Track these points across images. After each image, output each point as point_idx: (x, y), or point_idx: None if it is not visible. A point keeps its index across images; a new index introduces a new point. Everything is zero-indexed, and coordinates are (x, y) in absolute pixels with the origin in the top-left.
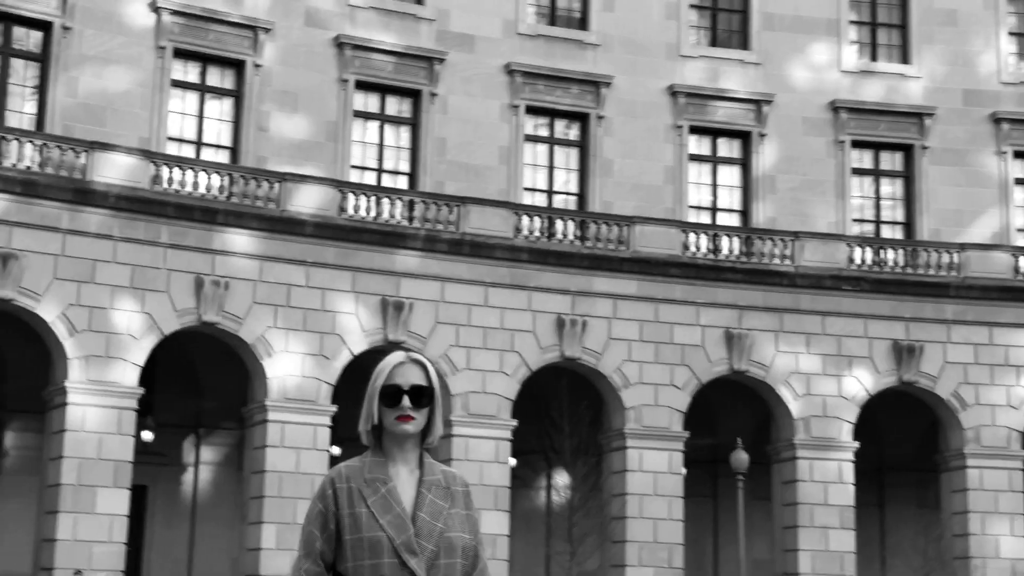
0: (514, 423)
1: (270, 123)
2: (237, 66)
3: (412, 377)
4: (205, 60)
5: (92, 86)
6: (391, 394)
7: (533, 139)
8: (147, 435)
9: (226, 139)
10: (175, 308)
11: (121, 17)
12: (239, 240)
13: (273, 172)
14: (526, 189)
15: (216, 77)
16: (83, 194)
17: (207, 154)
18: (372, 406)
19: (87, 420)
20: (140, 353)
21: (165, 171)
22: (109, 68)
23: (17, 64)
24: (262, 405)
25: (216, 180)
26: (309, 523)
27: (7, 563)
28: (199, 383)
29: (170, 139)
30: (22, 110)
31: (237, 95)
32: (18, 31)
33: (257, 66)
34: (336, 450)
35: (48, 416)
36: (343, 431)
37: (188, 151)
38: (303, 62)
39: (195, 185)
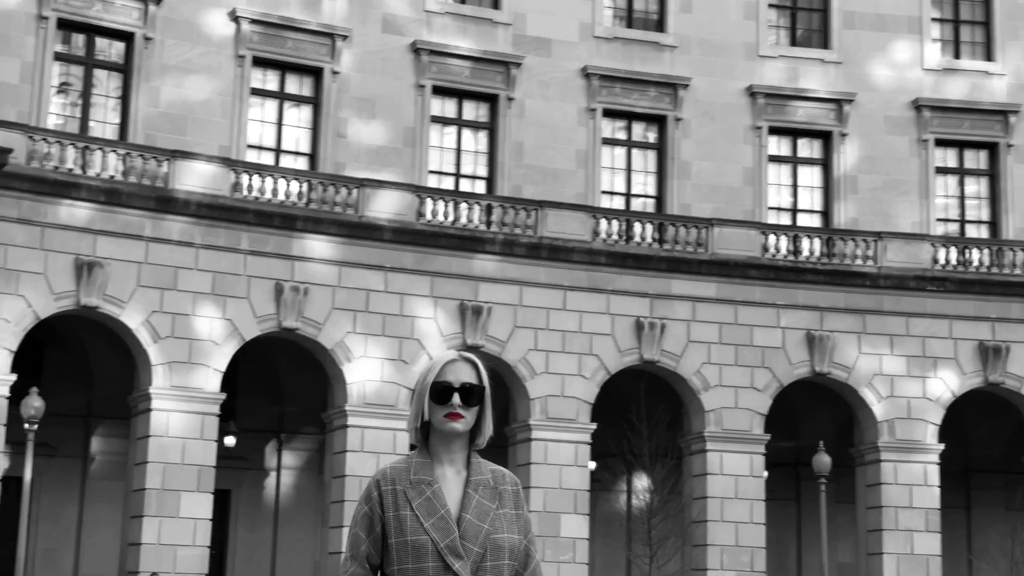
0: (593, 426)
1: (348, 129)
2: (315, 73)
3: (463, 375)
4: (284, 68)
5: (173, 95)
6: (441, 391)
7: (610, 142)
8: (230, 440)
9: (305, 146)
10: (255, 314)
11: (201, 27)
12: (318, 246)
13: (351, 178)
14: (604, 192)
15: (295, 84)
16: (165, 202)
17: (286, 161)
18: (421, 403)
19: (171, 425)
20: (222, 359)
21: (245, 178)
22: (190, 77)
23: (100, 75)
24: (342, 410)
25: (295, 187)
26: (355, 525)
27: (95, 567)
28: (280, 388)
29: (250, 147)
30: (106, 120)
31: (315, 102)
32: (101, 42)
33: (335, 73)
34: None
35: (133, 422)
36: None
37: (267, 158)
38: (380, 68)
39: (274, 192)
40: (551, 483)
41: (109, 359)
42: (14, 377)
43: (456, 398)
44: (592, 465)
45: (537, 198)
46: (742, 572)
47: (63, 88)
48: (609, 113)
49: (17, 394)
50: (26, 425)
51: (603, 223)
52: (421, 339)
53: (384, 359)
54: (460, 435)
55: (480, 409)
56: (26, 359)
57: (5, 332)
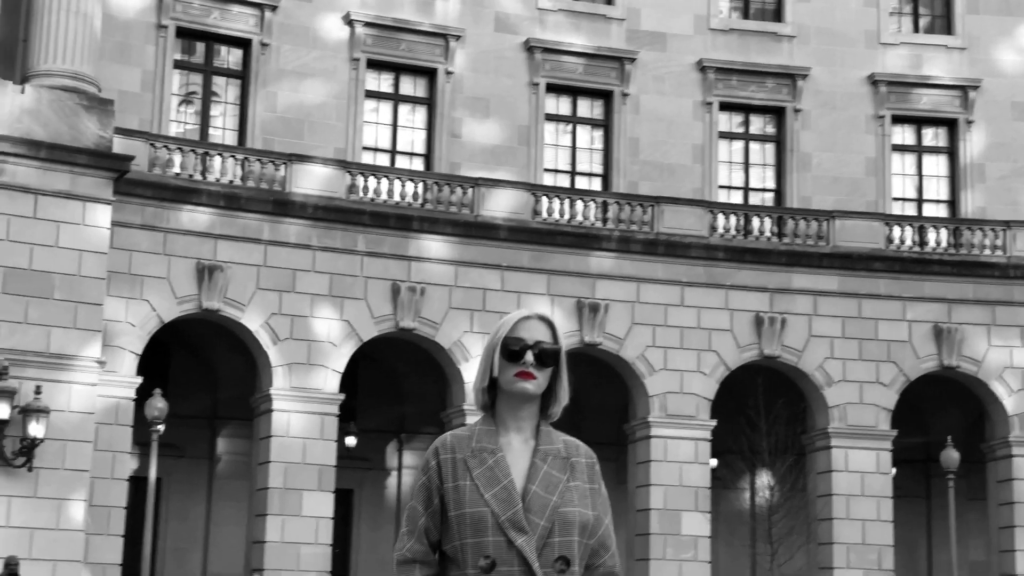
0: (713, 423)
1: (462, 129)
2: (429, 74)
3: (537, 334)
4: (398, 69)
5: (290, 100)
6: (513, 349)
7: (727, 136)
8: (350, 440)
9: (420, 147)
10: (373, 315)
11: (316, 31)
12: (434, 246)
13: (466, 178)
14: (721, 187)
15: (409, 86)
16: (283, 205)
17: (401, 162)
18: (489, 361)
19: (291, 426)
20: (340, 360)
21: (361, 180)
22: (306, 81)
23: (219, 81)
24: (460, 410)
25: (410, 187)
26: (413, 498)
27: (223, 565)
28: (400, 389)
29: (365, 148)
30: (224, 126)
31: (430, 103)
32: (219, 49)
33: (449, 73)
34: None
35: (256, 422)
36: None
37: (383, 160)
38: (494, 67)
39: (390, 193)
40: (671, 480)
41: (232, 361)
42: (140, 380)
43: (529, 356)
44: (713, 462)
45: (653, 194)
46: (869, 571)
47: (184, 96)
48: (726, 106)
49: (144, 397)
50: (152, 426)
51: (720, 218)
52: None
53: None
54: (531, 398)
55: (554, 373)
56: (152, 363)
57: (131, 336)
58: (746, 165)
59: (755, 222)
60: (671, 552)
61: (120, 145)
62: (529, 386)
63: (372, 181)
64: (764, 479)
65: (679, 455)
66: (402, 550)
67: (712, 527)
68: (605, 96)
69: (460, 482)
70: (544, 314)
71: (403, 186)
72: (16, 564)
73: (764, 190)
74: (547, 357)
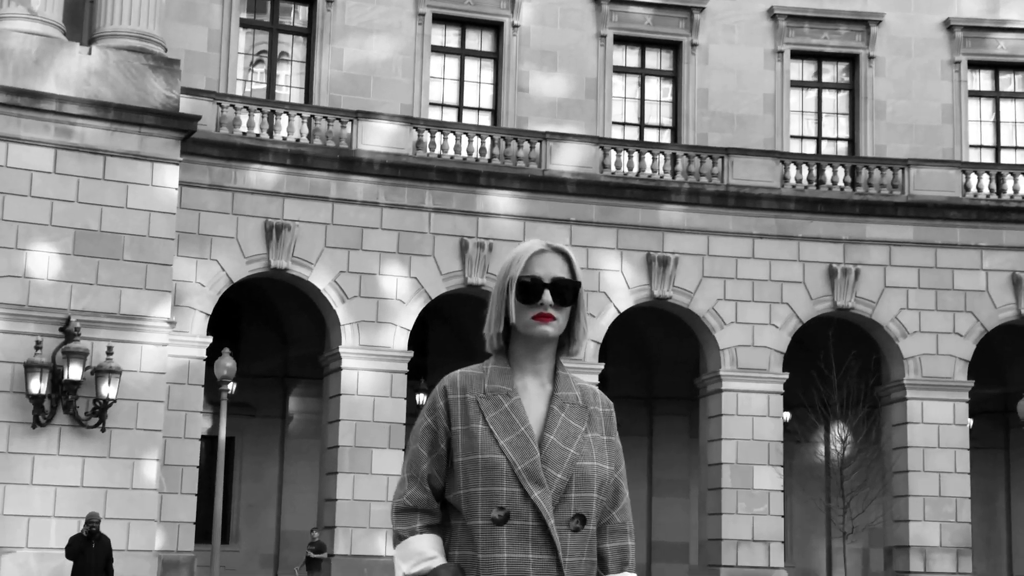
0: (785, 376)
1: (529, 83)
2: (495, 28)
3: (554, 269)
4: (463, 24)
5: (356, 56)
6: (529, 288)
7: (799, 84)
8: (421, 397)
9: (487, 101)
10: (441, 272)
11: None
12: (502, 201)
13: (534, 132)
14: (793, 137)
15: (475, 40)
16: (349, 163)
17: (468, 117)
18: (503, 303)
19: (361, 384)
20: (408, 317)
21: (427, 136)
22: (371, 38)
23: (285, 39)
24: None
25: (477, 143)
26: (415, 440)
27: (296, 522)
28: (471, 346)
29: (432, 104)
30: (290, 84)
31: (496, 57)
32: (285, 7)
33: (515, 27)
34: None
35: (325, 381)
36: (614, 389)
37: (450, 115)
38: (560, 20)
39: (457, 149)
40: (743, 434)
41: (302, 320)
42: (210, 339)
43: (547, 296)
44: (786, 416)
45: (723, 145)
46: (946, 522)
47: (250, 55)
48: (797, 54)
49: (215, 357)
50: (221, 386)
51: (792, 168)
52: (608, 292)
53: None
54: (549, 341)
55: (573, 310)
56: (223, 322)
57: (200, 296)
58: (819, 114)
59: (828, 172)
60: (743, 506)
61: (187, 105)
62: (549, 329)
63: (439, 137)
64: (836, 432)
65: (751, 409)
66: (401, 497)
67: (785, 481)
68: (674, 47)
69: (472, 425)
70: (559, 245)
71: (470, 141)
72: (97, 521)
73: (837, 139)
74: (565, 294)
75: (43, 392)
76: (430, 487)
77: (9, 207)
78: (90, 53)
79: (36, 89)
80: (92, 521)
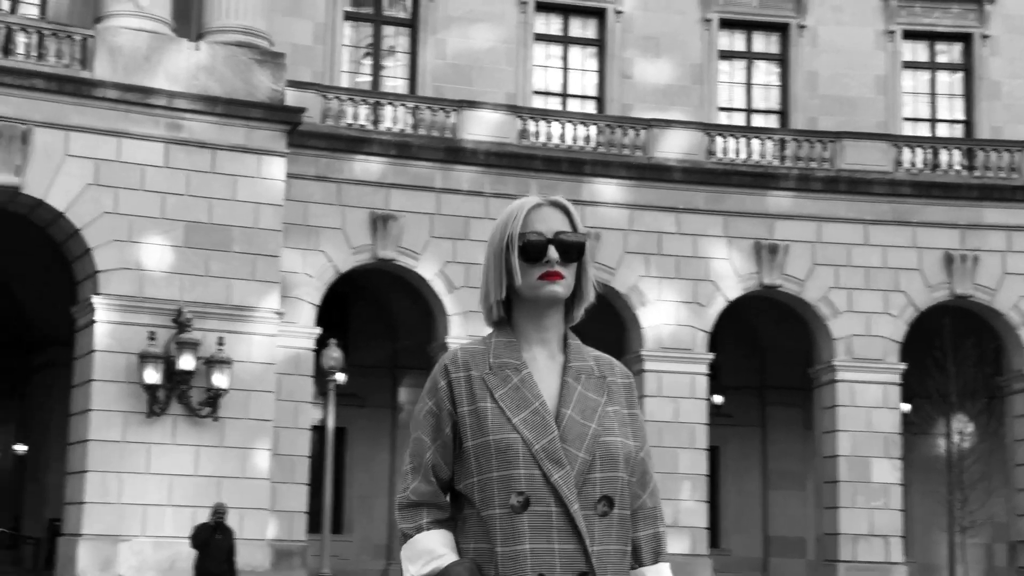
0: (903, 366)
1: (634, 70)
2: (598, 14)
3: (555, 223)
4: (567, 11)
5: (459, 46)
6: (532, 246)
7: (912, 65)
8: (717, 398)
9: (591, 89)
10: None
11: None
12: (607, 190)
13: (639, 119)
14: (906, 119)
15: (578, 27)
16: (454, 152)
17: (573, 105)
18: (501, 267)
19: None
20: None
21: (532, 125)
22: (474, 27)
23: (388, 31)
24: (638, 355)
25: (582, 131)
26: (416, 428)
27: None
28: (586, 333)
29: (536, 93)
30: (395, 75)
31: (600, 44)
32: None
33: (618, 13)
34: (718, 399)
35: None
36: (725, 379)
37: (554, 104)
38: (664, 4)
39: (562, 137)
40: (859, 426)
41: (410, 310)
42: (319, 330)
43: (552, 251)
44: (905, 407)
45: (834, 129)
46: None
47: (355, 47)
48: (910, 35)
49: (324, 347)
50: (328, 376)
51: (906, 152)
52: (716, 280)
53: (679, 302)
54: (557, 304)
55: (579, 269)
56: (332, 313)
57: (308, 287)
58: (932, 96)
59: (943, 155)
60: (861, 500)
61: (293, 98)
62: (558, 288)
63: (543, 125)
64: (956, 423)
65: (867, 400)
66: (405, 492)
67: (905, 474)
68: (781, 29)
69: (480, 404)
70: (557, 198)
71: (575, 129)
72: (224, 512)
73: (952, 121)
74: (571, 250)
75: (157, 382)
76: (435, 478)
77: (122, 201)
78: (198, 49)
79: (146, 85)
80: (219, 512)
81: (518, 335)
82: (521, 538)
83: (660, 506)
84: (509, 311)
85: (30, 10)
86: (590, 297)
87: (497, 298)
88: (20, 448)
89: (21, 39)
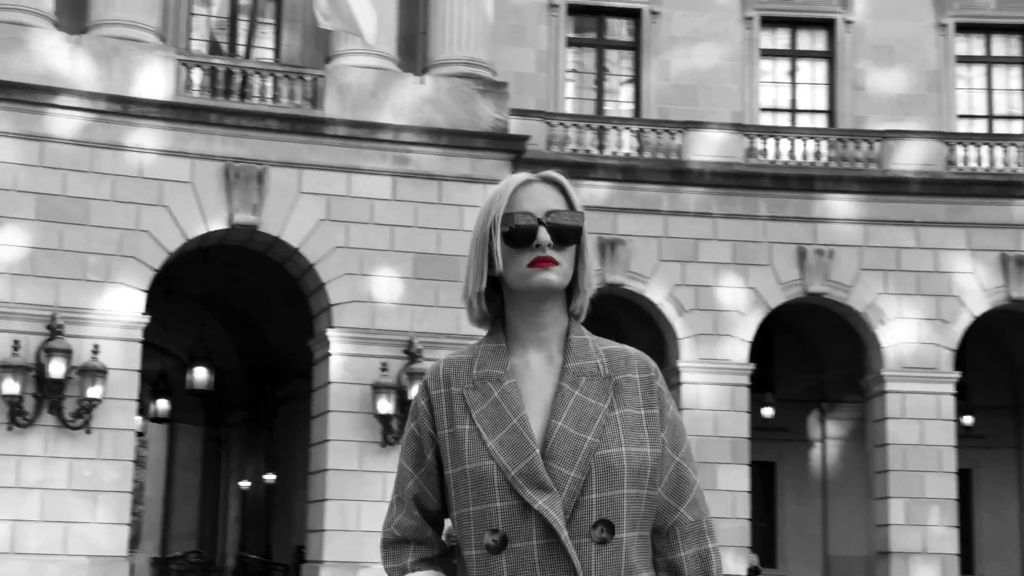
0: None
1: (866, 80)
2: (827, 26)
3: (547, 201)
4: (793, 24)
5: (683, 66)
6: (519, 229)
7: None
8: (767, 411)
9: (821, 103)
10: (779, 281)
11: None
12: (840, 205)
13: (872, 131)
14: None
15: (806, 40)
16: (680, 174)
17: (802, 120)
18: (485, 252)
19: (701, 398)
20: (748, 329)
21: (759, 142)
22: (697, 47)
23: (611, 55)
24: (879, 376)
25: (812, 146)
26: (400, 454)
27: None
28: (818, 356)
29: (763, 109)
30: (619, 99)
31: (829, 56)
32: (610, 23)
33: (848, 23)
34: (968, 419)
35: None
36: (975, 399)
37: (782, 120)
38: (897, 11)
39: (791, 154)
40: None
41: (641, 333)
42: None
43: (543, 234)
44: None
45: None
46: None
47: (577, 72)
48: None
49: None
50: None
51: None
52: (960, 296)
53: (921, 319)
54: (553, 296)
55: (577, 253)
56: None
57: None
58: None
59: None
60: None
61: (517, 126)
62: (552, 276)
63: (771, 142)
64: None
65: None
66: (389, 526)
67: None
68: (1023, 31)
69: (458, 426)
70: (550, 173)
71: (804, 145)
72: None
73: None
74: (565, 232)
75: (391, 412)
76: (420, 510)
77: (353, 235)
78: (422, 82)
79: (373, 120)
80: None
81: (511, 337)
82: None
83: (707, 519)
84: (503, 308)
85: (264, 54)
86: (590, 288)
87: (476, 290)
88: (269, 478)
89: (256, 82)
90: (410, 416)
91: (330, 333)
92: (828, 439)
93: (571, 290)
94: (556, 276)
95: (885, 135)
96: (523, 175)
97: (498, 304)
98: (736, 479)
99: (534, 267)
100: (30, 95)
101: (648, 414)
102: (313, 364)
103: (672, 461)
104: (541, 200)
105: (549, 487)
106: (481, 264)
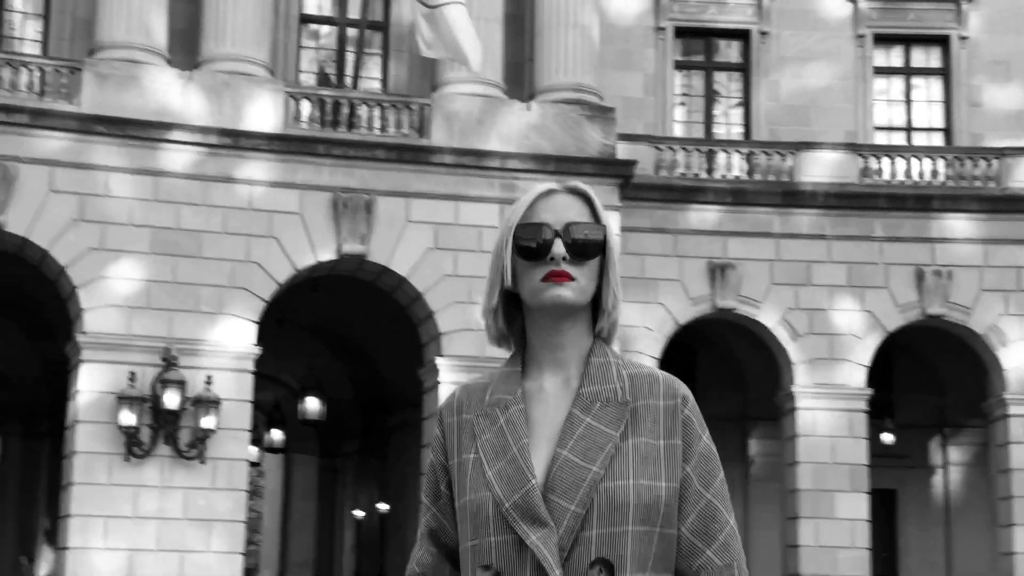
0: None
1: (983, 97)
2: (942, 42)
3: (567, 212)
4: (907, 41)
5: (793, 86)
6: (533, 242)
7: None
8: (887, 437)
9: (937, 120)
10: (896, 303)
11: (816, 13)
12: (959, 225)
13: (990, 148)
14: None
15: (920, 57)
16: (792, 196)
17: (918, 139)
18: (501, 266)
19: (818, 424)
20: (865, 353)
21: (873, 162)
22: (808, 66)
23: (720, 77)
24: (1001, 399)
25: (928, 165)
26: (422, 488)
27: (759, 569)
28: (939, 380)
29: (877, 128)
30: (728, 121)
31: (944, 72)
32: (718, 44)
33: (963, 38)
34: None
35: (782, 422)
36: None
37: (897, 138)
38: (1012, 27)
39: (907, 173)
40: None
41: (755, 359)
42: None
43: (558, 246)
44: None
45: None
46: None
47: (686, 95)
48: None
49: None
50: None
51: None
52: None
53: None
54: (569, 314)
55: (602, 269)
56: (676, 363)
57: (648, 339)
58: None
59: None
60: None
61: (625, 151)
62: (565, 292)
63: (886, 162)
64: None
65: None
66: (411, 562)
67: None
68: None
69: (464, 456)
70: (575, 184)
71: (920, 164)
72: None
73: None
74: (586, 246)
75: None
76: (438, 545)
77: (461, 263)
78: (529, 109)
79: (480, 148)
80: None
81: (529, 359)
82: None
83: (740, 565)
84: (524, 327)
85: (371, 84)
86: (616, 310)
87: (490, 306)
88: (383, 506)
89: (363, 112)
90: (430, 447)
91: (439, 361)
92: (950, 465)
93: (595, 308)
94: (570, 292)
95: (1003, 152)
96: (547, 185)
97: (520, 323)
98: (855, 507)
99: (547, 282)
100: (144, 131)
101: (668, 444)
102: (423, 393)
103: (702, 498)
104: (562, 211)
105: (545, 522)
106: (496, 278)
